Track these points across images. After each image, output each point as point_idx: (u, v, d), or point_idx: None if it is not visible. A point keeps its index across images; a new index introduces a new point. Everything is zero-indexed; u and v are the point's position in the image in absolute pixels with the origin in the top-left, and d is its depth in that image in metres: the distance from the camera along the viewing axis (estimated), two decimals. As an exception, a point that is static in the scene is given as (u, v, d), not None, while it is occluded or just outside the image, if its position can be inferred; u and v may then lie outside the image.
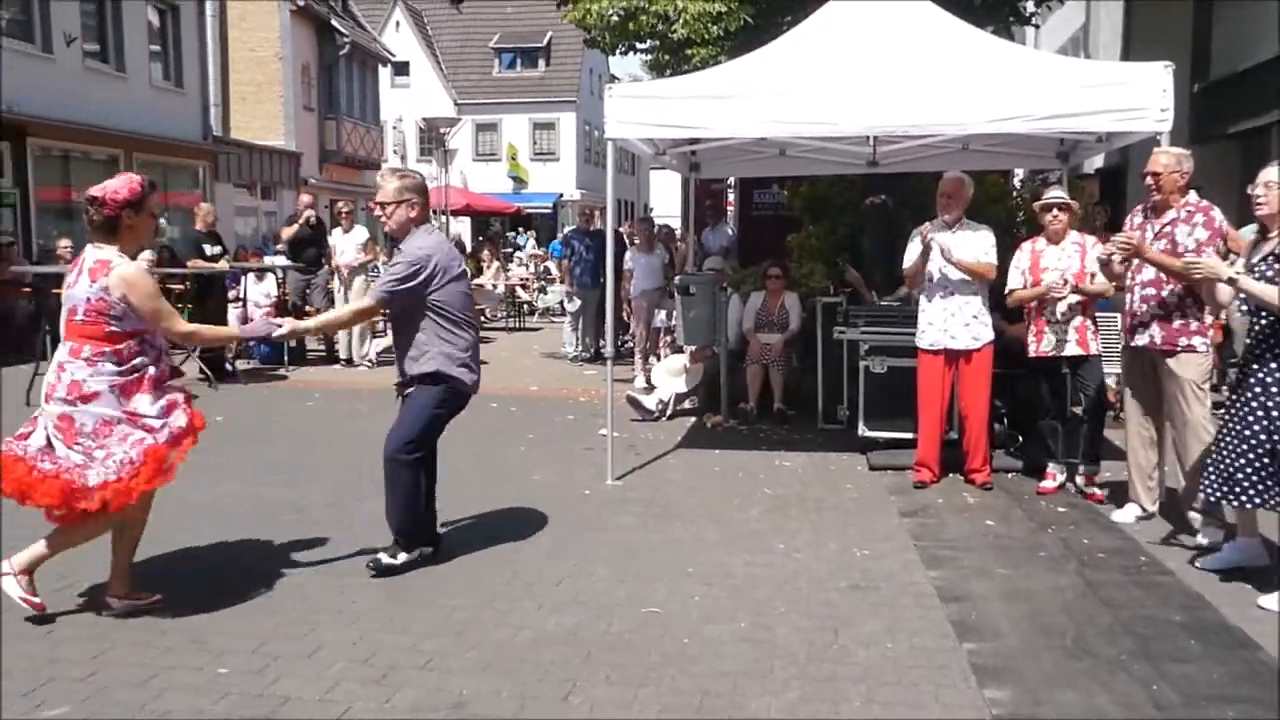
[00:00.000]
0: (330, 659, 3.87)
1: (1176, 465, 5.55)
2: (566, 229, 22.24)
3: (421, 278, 4.69)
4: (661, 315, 10.98)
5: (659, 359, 10.70)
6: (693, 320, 8.85)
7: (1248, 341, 4.75)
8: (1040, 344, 6.28)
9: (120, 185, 4.18)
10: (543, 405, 9.76)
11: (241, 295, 12.44)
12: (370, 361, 12.11)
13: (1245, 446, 4.51)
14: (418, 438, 4.80)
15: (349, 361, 12.18)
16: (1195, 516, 5.38)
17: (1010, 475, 6.82)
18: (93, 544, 4.36)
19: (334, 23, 29.21)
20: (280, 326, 4.85)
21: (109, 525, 4.26)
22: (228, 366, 11.02)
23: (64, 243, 14.08)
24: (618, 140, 6.84)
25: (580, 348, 13.44)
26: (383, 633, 4.12)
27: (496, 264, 19.41)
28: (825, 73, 6.46)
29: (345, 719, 3.43)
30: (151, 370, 4.21)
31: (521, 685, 3.66)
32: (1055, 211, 6.28)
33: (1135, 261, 5.50)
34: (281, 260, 13.02)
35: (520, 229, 36.05)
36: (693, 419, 8.91)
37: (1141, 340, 5.52)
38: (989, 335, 6.47)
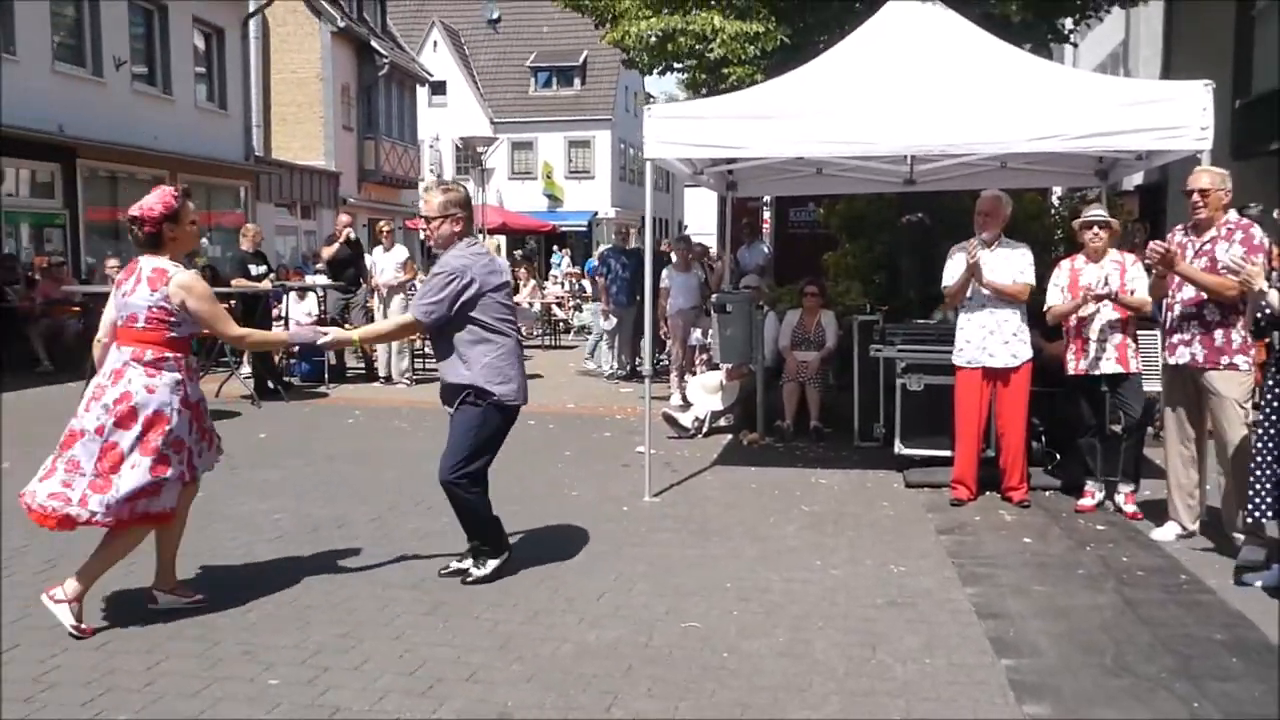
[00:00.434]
0: (378, 670, 3.94)
1: (1216, 483, 5.52)
2: (602, 247, 22.34)
3: (456, 289, 4.73)
4: (698, 333, 11.03)
5: (695, 376, 10.74)
6: (729, 338, 8.90)
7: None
8: (1079, 362, 6.27)
9: (155, 201, 4.32)
10: (580, 422, 9.84)
11: (284, 314, 12.67)
12: (408, 379, 12.27)
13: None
14: (466, 459, 4.85)
15: (388, 379, 12.31)
16: (1238, 535, 5.34)
17: (1048, 493, 6.80)
18: (142, 553, 4.49)
19: (373, 44, 29.65)
20: (326, 334, 5.04)
21: (147, 531, 4.40)
22: (269, 384, 11.19)
23: (111, 262, 14.34)
24: (656, 160, 6.92)
25: (617, 365, 13.53)
26: (428, 645, 4.19)
27: (533, 282, 19.56)
28: (863, 92, 6.50)
29: (393, 729, 3.50)
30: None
31: (565, 697, 3.72)
32: (1096, 229, 6.27)
33: (1176, 279, 5.50)
34: (322, 280, 13.24)
35: (555, 247, 36.25)
36: (729, 436, 8.95)
37: (1183, 358, 5.51)
38: (1028, 353, 6.47)
